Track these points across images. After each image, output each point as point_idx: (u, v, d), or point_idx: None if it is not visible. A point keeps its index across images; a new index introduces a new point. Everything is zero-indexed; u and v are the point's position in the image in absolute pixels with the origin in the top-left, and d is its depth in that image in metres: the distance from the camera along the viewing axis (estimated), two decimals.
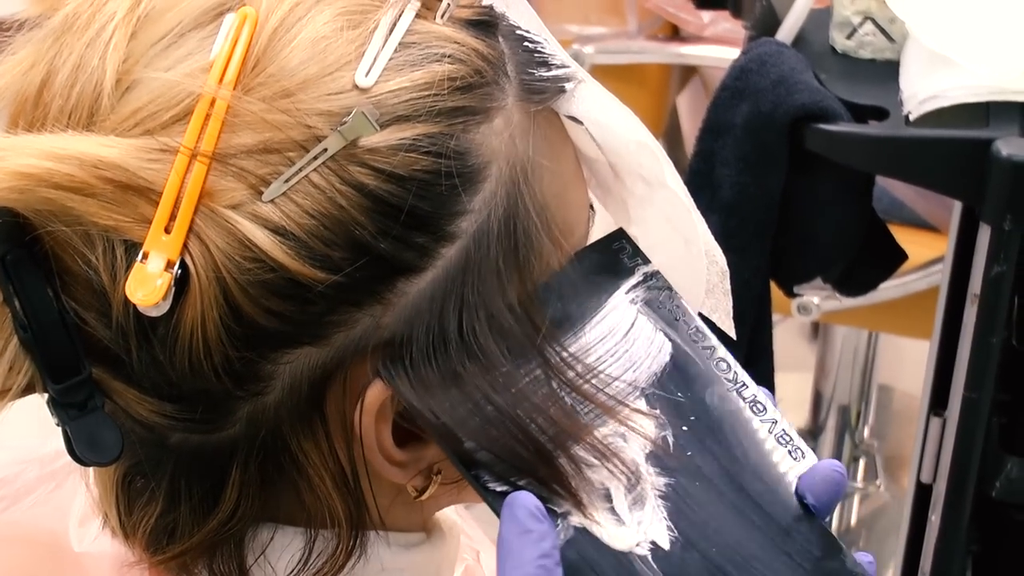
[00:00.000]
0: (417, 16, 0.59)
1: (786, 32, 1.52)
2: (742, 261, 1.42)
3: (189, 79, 0.57)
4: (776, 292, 1.53)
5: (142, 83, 0.58)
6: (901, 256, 1.54)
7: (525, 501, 0.58)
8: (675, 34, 2.35)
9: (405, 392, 0.59)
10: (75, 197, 0.55)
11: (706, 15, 2.24)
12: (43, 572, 0.70)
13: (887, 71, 1.44)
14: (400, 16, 0.59)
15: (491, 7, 0.63)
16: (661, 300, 0.66)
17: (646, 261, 0.66)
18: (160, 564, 0.64)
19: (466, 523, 0.79)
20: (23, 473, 0.74)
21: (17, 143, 0.56)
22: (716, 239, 0.72)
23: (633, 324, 0.64)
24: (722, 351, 0.66)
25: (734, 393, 0.65)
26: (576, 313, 0.63)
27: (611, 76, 2.03)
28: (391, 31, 0.59)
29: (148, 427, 0.60)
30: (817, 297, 1.78)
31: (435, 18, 0.60)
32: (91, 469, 0.67)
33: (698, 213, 0.70)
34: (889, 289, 1.75)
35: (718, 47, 2.20)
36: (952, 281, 1.34)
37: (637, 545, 0.60)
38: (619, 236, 0.67)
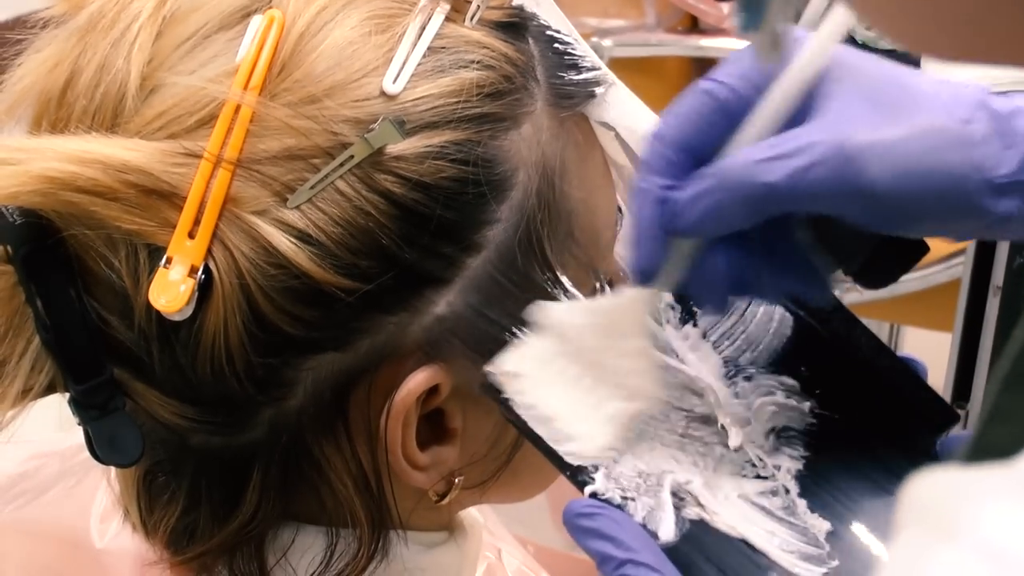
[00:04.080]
0: (446, 19, 0.59)
1: (806, 22, 1.51)
2: None
3: (214, 84, 0.56)
4: None
5: (167, 85, 0.57)
6: (923, 248, 1.53)
7: (571, 508, 0.58)
8: (694, 27, 2.34)
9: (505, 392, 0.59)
10: (99, 201, 0.55)
11: (725, 6, 2.23)
12: (64, 568, 0.70)
13: (908, 62, 1.43)
14: (428, 20, 0.58)
15: (521, 7, 0.62)
16: None
17: None
18: (181, 564, 0.64)
19: (488, 521, 0.79)
20: (44, 468, 0.73)
21: (41, 145, 0.55)
22: None
23: (749, 303, 0.63)
24: (858, 321, 0.64)
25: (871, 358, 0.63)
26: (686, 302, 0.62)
27: (630, 69, 2.01)
28: (419, 36, 0.58)
29: (170, 428, 0.60)
30: (838, 290, 1.77)
31: (464, 21, 0.59)
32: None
33: None
34: (911, 282, 1.74)
35: (737, 39, 2.18)
36: (974, 273, 1.34)
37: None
38: None
